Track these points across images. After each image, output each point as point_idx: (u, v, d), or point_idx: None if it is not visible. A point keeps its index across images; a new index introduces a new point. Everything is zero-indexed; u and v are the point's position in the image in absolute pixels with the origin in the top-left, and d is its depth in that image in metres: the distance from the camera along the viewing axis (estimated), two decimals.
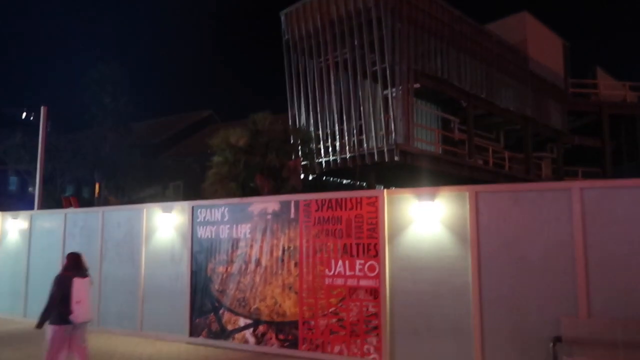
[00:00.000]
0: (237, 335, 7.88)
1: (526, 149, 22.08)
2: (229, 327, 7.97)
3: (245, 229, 8.05)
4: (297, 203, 7.63)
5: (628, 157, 27.73)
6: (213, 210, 8.46)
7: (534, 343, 5.91)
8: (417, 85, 16.71)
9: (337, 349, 6.97)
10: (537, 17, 23.43)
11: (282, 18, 19.48)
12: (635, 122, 26.11)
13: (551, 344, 5.51)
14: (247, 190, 14.15)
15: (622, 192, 5.88)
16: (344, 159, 17.36)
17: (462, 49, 18.70)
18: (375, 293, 6.83)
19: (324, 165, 17.91)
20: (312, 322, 7.22)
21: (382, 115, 16.35)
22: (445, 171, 17.52)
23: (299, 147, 16.56)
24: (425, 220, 6.73)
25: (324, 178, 18.49)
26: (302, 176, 16.66)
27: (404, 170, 16.84)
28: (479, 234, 6.40)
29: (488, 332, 6.21)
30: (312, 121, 18.40)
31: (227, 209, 8.33)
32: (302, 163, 16.52)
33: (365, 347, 6.80)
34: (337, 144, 17.61)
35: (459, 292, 6.41)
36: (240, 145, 14.31)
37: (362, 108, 17.13)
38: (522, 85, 21.83)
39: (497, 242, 6.33)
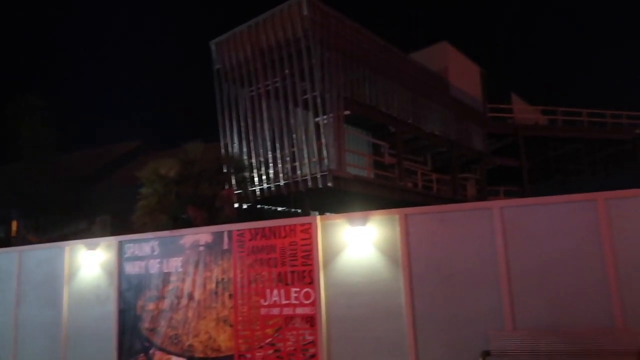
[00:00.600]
0: None
1: (452, 171, 23.18)
2: None
3: (177, 262, 7.79)
4: (230, 233, 7.51)
5: (543, 176, 29.89)
6: (142, 244, 8.12)
7: (466, 358, 6.10)
8: (347, 112, 17.17)
9: None
10: (456, 47, 24.96)
11: (213, 47, 19.45)
12: (547, 143, 28.25)
13: (481, 358, 5.72)
14: (179, 222, 13.75)
15: (537, 209, 6.30)
16: (278, 187, 17.35)
17: (389, 76, 19.51)
18: (311, 321, 6.80)
19: (258, 193, 17.80)
20: (249, 355, 7.04)
21: (314, 142, 16.59)
22: (377, 195, 17.97)
23: (232, 176, 16.40)
24: (359, 245, 6.84)
25: (259, 206, 18.37)
26: (236, 205, 16.46)
27: (338, 196, 17.10)
28: (410, 255, 6.58)
29: (423, 350, 6.34)
30: (244, 149, 18.32)
31: (157, 242, 8.03)
32: (236, 192, 16.36)
33: None
34: (271, 171, 17.60)
35: (393, 314, 6.52)
36: (171, 175, 13.94)
37: (294, 135, 17.30)
38: (446, 110, 23.03)
39: (427, 262, 6.54)
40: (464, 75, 25.02)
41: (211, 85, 19.49)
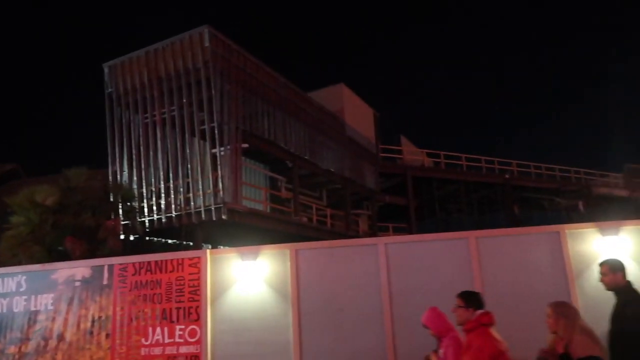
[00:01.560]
0: None
1: (346, 207, 23.99)
2: None
3: (47, 299, 7.07)
4: (111, 267, 7.02)
5: (428, 213, 32.07)
6: (6, 279, 7.28)
7: None
8: (245, 145, 17.17)
9: None
10: (351, 89, 26.32)
11: (106, 70, 18.52)
12: (432, 183, 30.46)
13: None
14: (55, 254, 12.55)
15: (418, 246, 6.74)
16: (169, 218, 16.66)
17: (288, 112, 19.95)
18: (195, 359, 6.51)
19: (147, 224, 16.91)
20: None
21: (210, 173, 16.29)
22: (273, 228, 17.98)
23: (120, 206, 15.44)
24: (249, 280, 6.76)
25: (148, 238, 17.42)
26: (122, 237, 15.46)
27: (232, 229, 16.83)
28: (299, 290, 6.64)
29: None
30: (135, 178, 17.42)
31: (24, 277, 7.25)
32: (123, 223, 15.39)
33: None
34: (163, 202, 16.88)
35: (281, 350, 6.48)
36: (47, 203, 12.76)
37: (189, 166, 16.86)
38: (341, 148, 23.97)
39: (317, 297, 6.63)
40: (358, 116, 26.35)
41: (102, 110, 18.45)
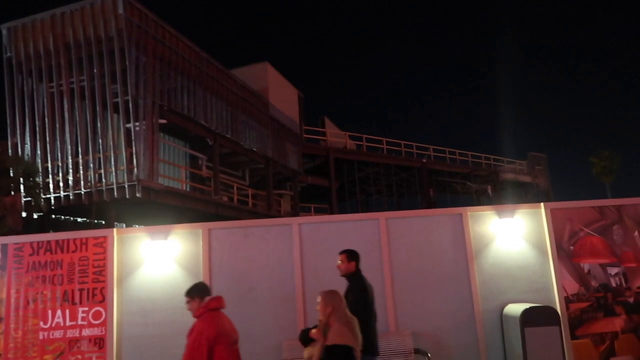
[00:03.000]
0: None
1: (268, 187, 23.93)
2: None
3: None
4: (5, 247, 6.50)
5: (349, 194, 32.81)
6: None
7: None
8: (163, 121, 16.50)
9: None
10: (276, 68, 26.07)
11: (4, 32, 16.91)
12: (354, 165, 31.14)
13: None
14: None
15: (331, 226, 6.88)
16: (78, 195, 15.71)
17: (209, 89, 19.39)
18: (100, 342, 6.25)
19: (53, 201, 15.84)
20: None
21: (124, 149, 15.51)
22: (192, 208, 17.55)
23: (21, 181, 14.30)
24: (159, 260, 6.56)
25: (54, 216, 16.35)
26: (24, 214, 14.38)
27: (148, 208, 16.22)
28: (212, 270, 6.55)
29: None
30: (39, 152, 16.18)
31: None
32: (25, 199, 14.29)
33: None
34: (71, 178, 15.86)
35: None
36: None
37: (101, 140, 15.93)
38: (264, 128, 23.78)
39: (229, 276, 6.59)
40: (282, 96, 26.21)
41: (1, 76, 16.86)
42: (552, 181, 42.42)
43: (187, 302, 4.00)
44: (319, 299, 4.00)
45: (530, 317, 6.07)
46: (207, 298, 3.90)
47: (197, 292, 3.97)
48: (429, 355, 5.97)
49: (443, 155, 35.92)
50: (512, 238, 6.96)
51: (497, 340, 6.59)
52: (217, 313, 3.81)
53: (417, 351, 6.26)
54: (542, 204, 7.20)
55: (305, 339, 3.93)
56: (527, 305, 6.25)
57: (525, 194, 38.95)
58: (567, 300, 6.80)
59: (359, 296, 4.18)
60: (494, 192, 37.03)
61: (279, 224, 7.05)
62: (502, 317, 6.61)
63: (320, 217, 7.25)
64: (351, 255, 4.96)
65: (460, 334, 6.61)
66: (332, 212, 27.33)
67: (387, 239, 6.81)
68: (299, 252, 6.66)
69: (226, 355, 3.65)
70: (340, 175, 31.18)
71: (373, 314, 4.68)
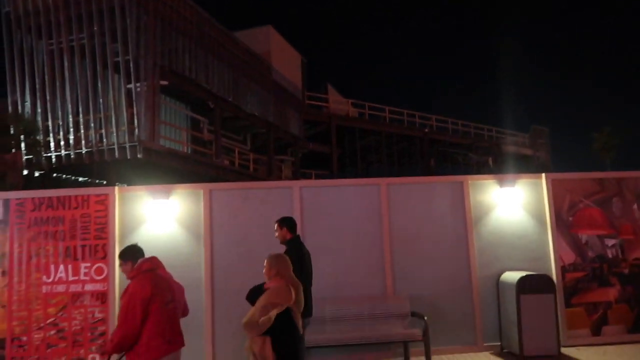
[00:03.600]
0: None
1: (269, 152, 23.87)
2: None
3: None
4: (7, 202, 6.53)
5: (350, 162, 32.78)
6: None
7: None
8: (164, 82, 16.32)
9: None
10: (280, 32, 25.60)
11: None
12: (355, 133, 30.98)
13: None
14: None
15: (331, 190, 6.89)
16: (79, 154, 15.70)
17: (211, 51, 19.09)
18: (103, 297, 6.36)
19: (54, 160, 15.84)
20: (25, 338, 6.28)
21: (125, 109, 15.40)
22: (192, 170, 17.57)
23: (22, 138, 14.26)
24: (160, 219, 6.60)
25: (55, 175, 16.38)
26: (24, 172, 14.40)
27: (149, 169, 16.22)
28: (212, 230, 6.60)
29: (219, 323, 6.46)
30: (40, 110, 16.07)
31: None
32: (26, 157, 14.28)
33: (91, 356, 6.26)
34: (72, 137, 15.81)
35: (192, 287, 6.47)
36: None
37: (102, 100, 15.79)
38: (266, 92, 23.53)
39: (228, 237, 6.64)
40: (285, 61, 25.83)
41: (0, 32, 16.58)
42: (553, 155, 42.37)
43: (120, 265, 4.09)
44: (265, 262, 4.12)
45: (526, 285, 6.16)
46: (140, 260, 3.95)
47: (130, 254, 4.01)
48: (426, 318, 6.08)
49: (445, 125, 35.68)
50: (512, 207, 6.99)
51: (492, 306, 6.71)
52: (150, 274, 3.85)
53: (413, 314, 6.37)
54: (543, 174, 7.20)
55: (254, 299, 3.99)
56: (523, 273, 6.33)
57: (526, 167, 38.89)
58: (563, 270, 6.88)
59: (294, 262, 4.28)
60: (495, 164, 36.99)
61: (280, 187, 7.06)
62: (498, 284, 6.71)
63: (321, 181, 7.28)
64: (283, 222, 5.15)
65: (457, 299, 6.71)
66: (332, 179, 27.37)
67: (388, 205, 6.84)
68: (299, 215, 6.68)
69: (160, 315, 3.72)
70: (342, 143, 31.06)
71: (309, 278, 4.88)
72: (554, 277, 6.78)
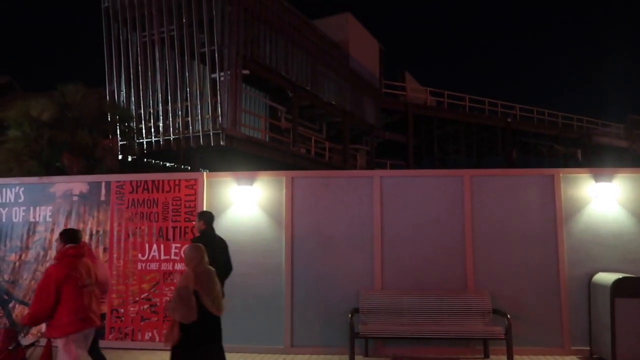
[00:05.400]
0: (33, 330, 7.03)
1: (344, 141, 23.92)
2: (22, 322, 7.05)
3: (46, 211, 7.20)
4: (108, 184, 7.09)
5: (426, 152, 32.08)
6: (4, 190, 7.36)
7: (337, 315, 6.47)
8: (246, 71, 16.82)
9: (147, 335, 6.72)
10: (358, 19, 25.39)
11: None
12: (433, 122, 30.21)
13: (349, 315, 6.12)
14: (52, 170, 12.63)
15: (412, 180, 6.79)
16: (167, 141, 16.65)
17: (290, 40, 19.36)
18: None
19: (145, 146, 16.92)
20: (122, 310, 6.83)
21: (209, 98, 16.07)
22: (270, 157, 18.04)
23: (117, 126, 15.35)
24: (244, 204, 6.86)
25: (145, 160, 17.50)
26: (120, 157, 15.52)
27: (230, 156, 16.87)
28: (293, 216, 6.76)
29: (297, 308, 6.62)
30: (133, 99, 17.21)
31: (22, 189, 7.33)
32: (120, 143, 15.38)
33: None
34: (161, 124, 16.79)
35: (273, 272, 6.70)
36: (43, 119, 12.66)
37: (188, 89, 16.59)
38: (343, 81, 23.52)
39: (309, 224, 6.77)
40: (363, 48, 25.62)
41: (99, 25, 17.86)
42: None
43: (56, 242, 4.62)
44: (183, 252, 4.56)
45: (622, 287, 5.74)
46: (69, 245, 4.35)
47: (66, 237, 4.42)
48: (509, 316, 5.86)
49: (530, 115, 33.77)
50: (607, 204, 6.51)
51: (582, 308, 6.32)
52: (70, 259, 4.24)
53: (495, 311, 6.17)
54: None
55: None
56: (619, 275, 5.90)
57: (620, 161, 35.96)
58: None
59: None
60: (584, 156, 34.55)
61: (360, 176, 7.08)
62: (590, 285, 6.31)
63: (402, 172, 7.21)
64: (200, 216, 5.78)
65: (543, 298, 6.40)
66: (408, 169, 26.94)
67: (471, 197, 6.63)
68: (379, 204, 6.67)
69: (74, 295, 4.11)
70: (419, 132, 30.43)
71: (219, 265, 5.12)
72: None
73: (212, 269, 4.37)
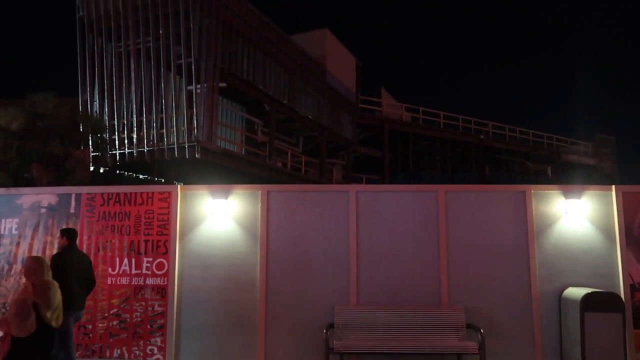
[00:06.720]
0: None
1: (321, 155, 23.98)
2: None
3: (12, 224, 6.96)
4: (78, 196, 6.92)
5: (402, 167, 32.40)
6: None
7: (312, 330, 6.42)
8: (223, 84, 16.75)
9: (116, 352, 6.52)
10: (335, 35, 25.67)
11: None
12: (408, 138, 30.56)
13: (324, 330, 6.07)
14: (21, 181, 12.28)
15: (388, 195, 6.83)
16: (141, 153, 16.39)
17: (268, 54, 19.41)
18: (162, 291, 6.60)
19: (118, 157, 16.62)
20: (90, 326, 6.61)
21: (185, 110, 15.94)
22: (246, 171, 17.93)
23: (90, 136, 15.05)
24: (219, 218, 6.78)
25: (118, 172, 17.17)
26: (91, 168, 15.20)
27: (205, 168, 16.70)
28: (269, 231, 6.71)
29: (271, 323, 6.54)
30: (107, 109, 16.92)
31: None
32: (93, 154, 15.08)
33: (149, 348, 6.51)
34: (135, 136, 16.53)
35: (247, 287, 6.61)
36: (12, 128, 12.33)
37: (163, 101, 16.42)
38: (320, 95, 23.65)
39: (285, 238, 6.72)
40: (340, 64, 25.87)
41: (73, 34, 17.58)
42: (619, 166, 40.07)
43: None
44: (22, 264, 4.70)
45: (591, 302, 5.86)
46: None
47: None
48: (482, 331, 5.90)
49: (502, 132, 34.54)
50: (577, 220, 6.67)
51: (553, 322, 6.42)
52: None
53: (469, 326, 6.21)
54: (613, 186, 6.82)
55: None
56: (589, 290, 6.02)
57: (589, 178, 37.02)
58: (632, 289, 6.49)
59: (58, 264, 5.36)
60: (554, 173, 35.46)
61: (336, 190, 7.08)
62: (560, 300, 6.42)
63: (378, 186, 7.24)
64: (62, 233, 5.93)
65: (515, 312, 6.48)
66: (384, 184, 27.11)
67: (445, 212, 6.71)
68: (354, 219, 6.68)
69: None
70: (394, 148, 30.71)
71: (75, 278, 5.59)
72: (622, 296, 6.40)
73: (53, 280, 4.35)
